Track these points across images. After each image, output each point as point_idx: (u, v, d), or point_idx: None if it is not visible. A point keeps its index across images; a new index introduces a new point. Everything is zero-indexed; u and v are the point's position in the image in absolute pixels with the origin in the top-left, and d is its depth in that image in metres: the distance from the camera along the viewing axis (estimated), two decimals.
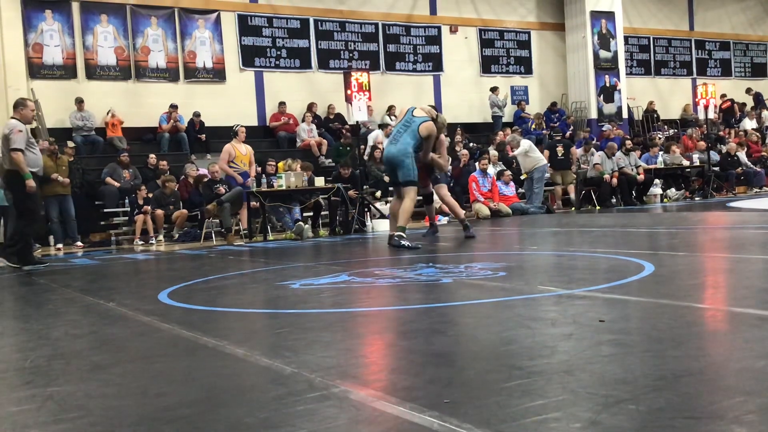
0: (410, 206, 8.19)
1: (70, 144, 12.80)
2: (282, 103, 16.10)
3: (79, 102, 14.00)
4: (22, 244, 8.35)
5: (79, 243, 11.71)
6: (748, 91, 22.41)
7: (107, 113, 14.38)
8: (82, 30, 14.57)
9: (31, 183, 8.16)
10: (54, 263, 9.05)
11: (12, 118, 8.40)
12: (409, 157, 8.10)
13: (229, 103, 15.63)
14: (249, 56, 16.14)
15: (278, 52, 16.44)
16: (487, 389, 2.31)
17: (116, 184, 12.87)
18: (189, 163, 13.35)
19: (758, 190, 17.14)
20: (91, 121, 14.19)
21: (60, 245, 11.43)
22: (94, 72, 14.68)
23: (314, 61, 16.80)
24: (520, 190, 14.54)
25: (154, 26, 15.21)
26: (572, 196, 14.98)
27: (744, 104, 22.14)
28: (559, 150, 15.27)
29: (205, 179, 11.99)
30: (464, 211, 12.97)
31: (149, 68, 15.15)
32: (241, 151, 11.87)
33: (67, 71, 14.43)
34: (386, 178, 13.16)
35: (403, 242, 7.68)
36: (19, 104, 8.44)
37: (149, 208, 11.79)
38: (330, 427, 2.04)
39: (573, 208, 14.75)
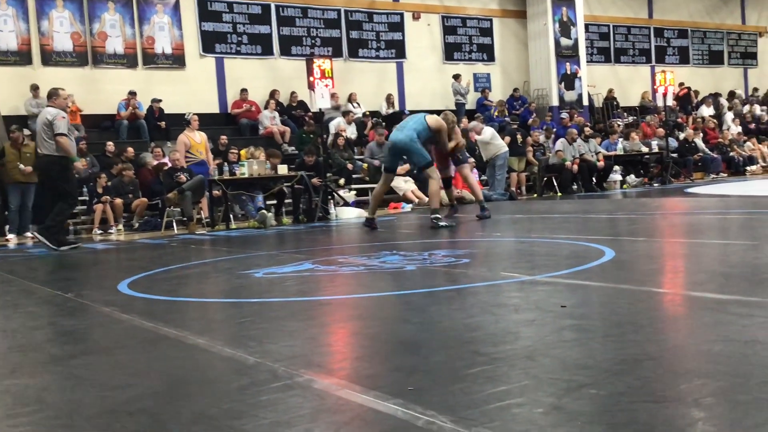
0: (436, 186, 8.61)
1: (27, 132, 12.49)
2: (244, 90, 15.91)
3: (35, 89, 13.64)
4: (57, 227, 8.69)
5: (29, 234, 11.38)
6: None
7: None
8: (37, 15, 14.21)
9: (78, 165, 8.56)
10: (10, 253, 8.86)
11: (48, 106, 8.74)
12: (417, 143, 8.40)
13: (189, 90, 15.40)
14: (209, 42, 15.90)
15: (239, 38, 16.23)
16: (451, 376, 2.31)
17: (74, 173, 12.60)
18: (146, 152, 13.10)
19: (715, 176, 17.46)
20: None
21: (12, 235, 11.13)
22: (50, 58, 14.34)
23: (276, 47, 16.63)
24: (483, 177, 14.61)
25: (112, 11, 14.90)
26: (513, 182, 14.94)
27: (697, 92, 22.47)
28: (518, 137, 15.37)
29: (166, 167, 11.82)
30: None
31: (107, 54, 14.84)
32: (195, 139, 11.75)
33: (21, 57, 14.08)
34: (376, 163, 13.17)
35: (441, 223, 8.04)
36: (53, 94, 8.79)
37: (108, 197, 11.59)
38: (294, 417, 2.03)
39: (535, 195, 14.87)
